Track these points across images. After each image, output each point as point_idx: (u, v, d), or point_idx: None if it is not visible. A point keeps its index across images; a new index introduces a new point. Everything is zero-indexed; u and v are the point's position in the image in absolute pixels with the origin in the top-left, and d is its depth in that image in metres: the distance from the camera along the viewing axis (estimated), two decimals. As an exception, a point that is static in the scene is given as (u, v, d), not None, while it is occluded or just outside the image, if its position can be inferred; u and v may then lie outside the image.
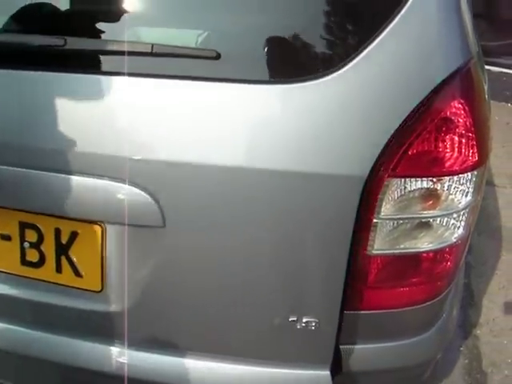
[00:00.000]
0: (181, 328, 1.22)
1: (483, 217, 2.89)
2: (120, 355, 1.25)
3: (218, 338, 1.21)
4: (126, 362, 1.24)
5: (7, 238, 1.20)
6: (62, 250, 1.18)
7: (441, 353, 1.42)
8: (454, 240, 1.16)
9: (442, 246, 1.16)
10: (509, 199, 3.16)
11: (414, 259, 1.18)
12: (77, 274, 1.19)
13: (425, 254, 1.17)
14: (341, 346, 1.24)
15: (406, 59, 1.05)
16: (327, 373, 1.20)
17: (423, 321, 1.30)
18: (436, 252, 1.17)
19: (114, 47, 1.03)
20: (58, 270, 1.19)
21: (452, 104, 1.05)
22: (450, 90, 1.06)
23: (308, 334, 1.15)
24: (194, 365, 1.22)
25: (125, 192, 1.07)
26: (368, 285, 1.17)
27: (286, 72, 1.05)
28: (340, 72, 1.02)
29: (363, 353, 1.26)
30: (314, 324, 1.15)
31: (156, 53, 1.00)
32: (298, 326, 1.15)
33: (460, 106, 1.06)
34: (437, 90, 1.04)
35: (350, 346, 1.25)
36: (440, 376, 2.11)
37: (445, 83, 1.04)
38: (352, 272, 1.13)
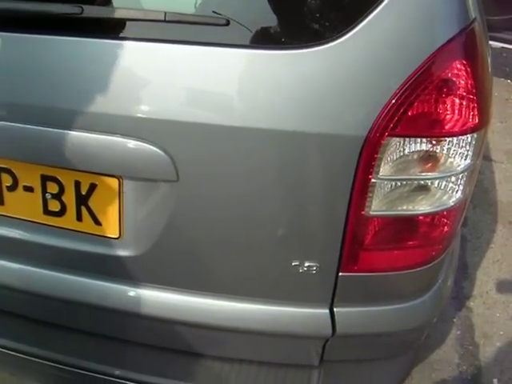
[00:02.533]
0: (193, 271, 1.28)
1: (479, 191, 2.90)
2: (136, 294, 1.34)
3: (228, 279, 1.28)
4: (139, 300, 1.34)
5: (30, 189, 1.26)
6: (82, 200, 1.24)
7: (435, 318, 1.43)
8: (452, 204, 1.16)
9: (439, 209, 1.16)
10: (505, 174, 3.17)
11: (411, 222, 1.19)
12: (96, 222, 1.26)
13: (422, 217, 1.18)
14: (335, 309, 1.26)
15: (409, 22, 1.04)
16: (326, 311, 1.27)
17: (419, 285, 1.31)
18: (433, 215, 1.18)
19: (130, 14, 1.08)
20: (79, 218, 1.27)
21: (453, 65, 1.05)
22: (451, 51, 1.05)
23: (309, 276, 1.20)
24: (208, 303, 1.30)
25: (140, 149, 1.12)
26: (364, 246, 1.18)
27: (292, 39, 1.05)
28: (343, 38, 1.02)
29: (358, 316, 1.28)
30: (314, 268, 1.19)
31: (169, 20, 1.03)
32: (301, 270, 1.20)
33: (462, 67, 1.05)
34: (438, 51, 1.03)
35: (345, 309, 1.27)
36: (432, 346, 2.13)
37: (447, 44, 1.04)
38: (349, 233, 1.14)
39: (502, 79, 4.04)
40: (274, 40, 1.06)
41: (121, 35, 1.10)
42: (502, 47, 3.62)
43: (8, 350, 1.55)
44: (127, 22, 1.09)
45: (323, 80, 1.05)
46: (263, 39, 1.06)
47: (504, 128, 3.54)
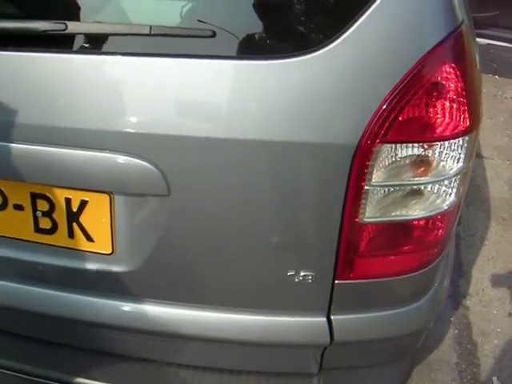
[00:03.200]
0: (188, 284, 1.28)
1: (472, 188, 2.90)
2: (129, 310, 1.33)
3: (224, 291, 1.27)
4: (134, 315, 1.33)
5: (20, 207, 1.25)
6: (73, 217, 1.23)
7: (432, 322, 1.42)
8: (446, 207, 1.16)
9: (433, 213, 1.16)
10: (496, 170, 3.17)
11: (406, 227, 1.18)
12: (88, 238, 1.25)
13: (416, 222, 1.17)
14: (332, 317, 1.26)
15: (398, 27, 1.04)
16: (324, 319, 1.26)
17: (415, 289, 1.31)
18: (427, 219, 1.17)
19: (115, 29, 1.08)
20: (70, 235, 1.26)
21: (443, 68, 1.04)
22: (440, 55, 1.05)
23: (306, 285, 1.20)
24: (204, 316, 1.30)
25: (130, 164, 1.11)
26: (360, 253, 1.17)
27: (280, 48, 1.05)
28: (330, 47, 1.02)
29: (356, 323, 1.27)
30: (310, 277, 1.19)
31: (154, 33, 1.03)
32: (296, 279, 1.19)
33: (451, 70, 1.05)
34: (428, 55, 1.03)
35: (343, 316, 1.26)
36: (431, 347, 2.13)
37: (435, 48, 1.03)
38: (343, 240, 1.14)
39: (490, 75, 4.05)
40: (261, 50, 1.06)
41: (106, 50, 1.09)
42: (489, 44, 3.63)
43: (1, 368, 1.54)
44: (113, 37, 1.08)
45: (312, 89, 1.04)
46: (250, 50, 1.06)
47: (493, 124, 3.54)
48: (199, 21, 1.05)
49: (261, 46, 1.07)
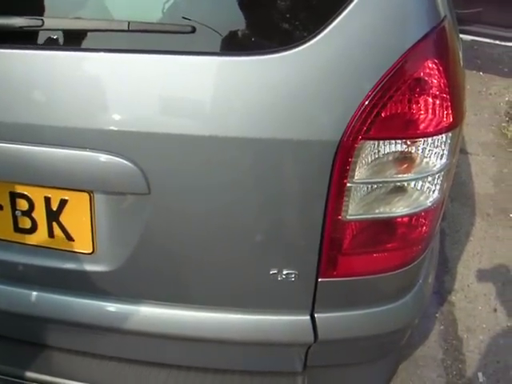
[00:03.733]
0: (170, 283, 1.27)
1: (456, 184, 2.91)
2: (111, 309, 1.32)
3: (206, 290, 1.27)
4: (116, 315, 1.32)
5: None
6: (53, 216, 1.21)
7: (418, 318, 1.42)
8: (430, 204, 1.15)
9: (417, 210, 1.15)
10: (481, 167, 3.18)
11: (389, 224, 1.17)
12: (68, 238, 1.23)
13: (400, 219, 1.17)
14: (316, 315, 1.25)
15: (380, 22, 1.03)
16: (307, 317, 1.26)
17: (399, 287, 1.30)
18: (411, 216, 1.16)
19: (92, 25, 1.05)
20: (51, 235, 1.24)
21: (425, 64, 1.04)
22: (423, 51, 1.04)
23: (289, 284, 1.19)
24: (186, 315, 1.29)
25: (109, 162, 1.10)
26: (343, 251, 1.16)
27: (261, 44, 1.04)
28: (312, 42, 1.01)
29: (340, 321, 1.27)
30: (293, 276, 1.18)
31: (133, 29, 1.01)
32: (279, 278, 1.19)
33: (434, 66, 1.04)
34: (410, 51, 1.02)
35: (326, 314, 1.26)
36: (416, 343, 2.13)
37: (418, 43, 1.03)
38: (326, 238, 1.13)
39: (474, 72, 4.06)
40: (242, 46, 1.04)
41: (85, 46, 1.08)
42: (473, 40, 3.64)
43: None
44: (91, 33, 1.06)
45: (294, 85, 1.03)
46: (231, 45, 1.05)
47: (478, 120, 3.56)
48: (183, 18, 1.03)
49: (242, 41, 1.05)
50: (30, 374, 1.48)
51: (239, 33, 1.05)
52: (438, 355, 2.14)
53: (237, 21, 1.05)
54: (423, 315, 1.59)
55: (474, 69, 4.08)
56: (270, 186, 1.10)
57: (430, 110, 1.05)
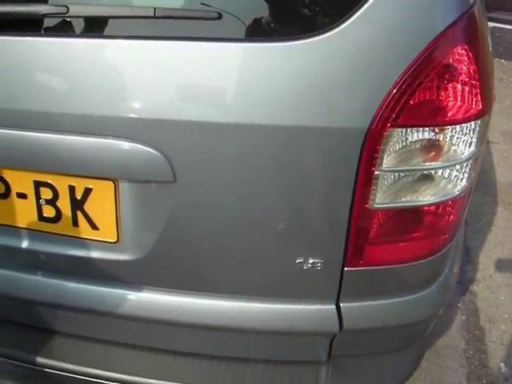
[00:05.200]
0: (194, 272, 1.27)
1: (478, 173, 2.87)
2: (134, 298, 1.32)
3: (231, 279, 1.26)
4: (139, 303, 1.32)
5: (23, 196, 1.24)
6: (77, 205, 1.22)
7: (443, 308, 1.41)
8: (457, 192, 1.14)
9: (444, 198, 1.14)
10: (503, 155, 3.15)
11: (416, 213, 1.16)
12: (93, 226, 1.24)
13: (427, 208, 1.16)
14: (342, 304, 1.25)
15: (408, 8, 1.01)
16: (333, 307, 1.25)
17: (426, 276, 1.29)
18: (438, 205, 1.15)
19: (118, 12, 1.05)
20: (75, 223, 1.24)
21: (455, 50, 1.02)
22: (452, 37, 1.02)
23: (314, 273, 1.19)
24: (211, 304, 1.29)
25: (134, 150, 1.10)
26: (369, 240, 1.16)
27: (287, 30, 1.03)
28: (339, 29, 1.00)
29: (365, 310, 1.26)
30: (319, 265, 1.18)
31: (159, 16, 1.01)
32: (305, 267, 1.18)
33: (463, 52, 1.02)
34: (439, 37, 1.00)
35: (351, 304, 1.25)
36: (438, 333, 2.12)
37: (447, 29, 1.01)
38: (353, 227, 1.12)
39: (496, 59, 4.01)
40: (267, 32, 1.03)
41: (109, 34, 1.07)
42: (495, 26, 3.60)
43: (6, 357, 1.53)
44: (115, 20, 1.06)
45: (321, 72, 1.02)
46: (257, 32, 1.04)
47: (500, 108, 3.51)
48: (203, 3, 1.02)
49: (268, 28, 1.04)
50: (52, 362, 1.49)
51: (264, 19, 1.04)
52: (459, 345, 2.13)
53: (262, 7, 1.04)
54: (446, 305, 1.59)
55: (496, 56, 4.02)
56: (297, 174, 1.09)
57: (459, 97, 1.04)
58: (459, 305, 2.28)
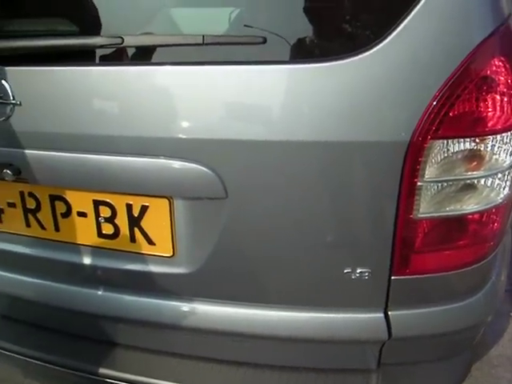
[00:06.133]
0: (247, 283, 1.31)
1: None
2: (188, 310, 1.37)
3: (280, 290, 1.30)
4: (194, 315, 1.37)
5: (84, 214, 1.32)
6: (135, 222, 1.29)
7: (491, 316, 1.41)
8: (500, 200, 1.16)
9: (487, 207, 1.16)
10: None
11: (460, 221, 1.18)
12: (149, 242, 1.30)
13: (471, 216, 1.17)
14: (390, 312, 1.27)
15: (446, 22, 1.05)
16: (381, 315, 1.28)
17: (472, 284, 1.30)
18: (482, 213, 1.17)
19: (169, 40, 1.10)
20: (132, 239, 1.31)
21: (492, 62, 1.05)
22: (489, 49, 1.05)
23: (362, 282, 1.22)
24: (263, 314, 1.33)
25: (187, 169, 1.15)
26: (415, 249, 1.18)
27: (330, 50, 1.07)
28: (379, 46, 1.04)
29: (413, 318, 1.28)
30: (367, 274, 1.21)
31: (207, 42, 1.06)
32: (353, 276, 1.21)
33: (500, 63, 1.05)
34: (477, 50, 1.03)
35: (400, 312, 1.27)
36: (490, 342, 2.10)
37: (484, 42, 1.04)
38: (398, 237, 1.15)
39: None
40: (311, 53, 1.08)
41: (160, 61, 1.13)
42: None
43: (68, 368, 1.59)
44: (165, 48, 1.11)
45: (363, 88, 1.05)
46: (299, 54, 1.08)
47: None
48: (245, 25, 1.08)
49: (310, 49, 1.09)
50: (110, 372, 1.53)
51: (307, 41, 1.09)
52: (512, 355, 2.10)
53: (304, 29, 1.08)
54: (497, 313, 1.58)
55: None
56: (343, 187, 1.13)
57: (498, 108, 1.06)
58: (511, 314, 2.25)
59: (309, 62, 1.06)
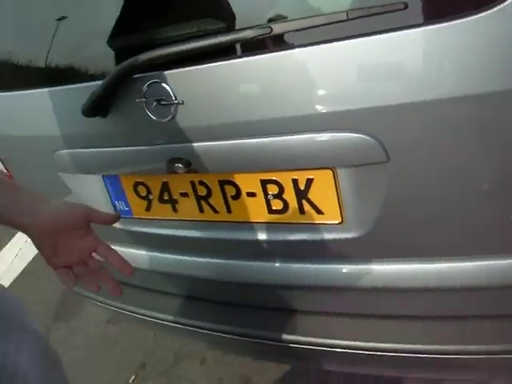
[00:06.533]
0: (410, 241, 1.34)
1: None
2: (361, 271, 1.45)
3: (450, 242, 1.31)
4: (366, 275, 1.44)
5: (253, 194, 1.42)
6: (302, 195, 1.36)
7: None
8: None
9: None
10: None
11: None
12: (318, 212, 1.38)
13: None
14: None
15: None
16: None
17: None
18: None
19: (316, 22, 1.11)
20: (301, 211, 1.40)
21: None
22: None
23: None
24: (426, 268, 1.37)
25: (349, 139, 1.20)
26: None
27: (463, 7, 1.04)
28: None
29: None
30: None
31: (352, 17, 1.07)
32: None
33: None
34: None
35: None
36: None
37: None
38: None
39: None
40: (446, 12, 1.05)
41: (310, 41, 1.15)
42: None
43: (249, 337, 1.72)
44: (311, 30, 1.12)
45: (498, 40, 1.03)
46: (440, 12, 1.05)
47: None
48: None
49: (445, 7, 1.05)
50: (287, 337, 1.64)
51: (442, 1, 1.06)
52: None
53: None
54: None
55: None
56: (495, 136, 1.12)
57: None
58: None
59: (450, 20, 1.03)
